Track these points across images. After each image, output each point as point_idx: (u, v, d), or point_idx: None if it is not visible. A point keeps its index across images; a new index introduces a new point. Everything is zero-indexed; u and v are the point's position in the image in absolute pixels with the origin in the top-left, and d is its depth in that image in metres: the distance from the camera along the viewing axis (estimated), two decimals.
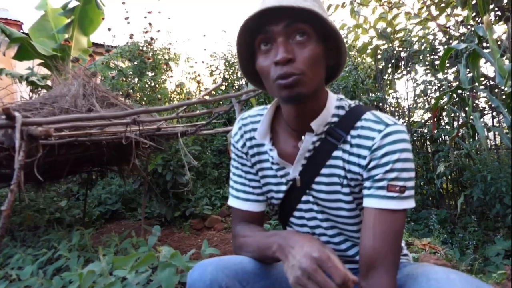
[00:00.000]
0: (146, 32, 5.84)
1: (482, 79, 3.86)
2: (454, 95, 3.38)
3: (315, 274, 0.65)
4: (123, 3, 6.05)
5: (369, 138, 0.82)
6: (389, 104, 5.21)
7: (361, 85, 5.07)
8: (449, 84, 4.25)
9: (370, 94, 5.08)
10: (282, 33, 0.77)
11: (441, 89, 4.38)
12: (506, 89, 2.39)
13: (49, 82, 6.17)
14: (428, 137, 4.65)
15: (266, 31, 0.78)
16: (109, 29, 6.42)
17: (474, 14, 3.86)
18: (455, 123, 4.35)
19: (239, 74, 6.52)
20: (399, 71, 5.10)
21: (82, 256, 2.36)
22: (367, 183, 0.83)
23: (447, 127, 4.37)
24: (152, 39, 5.82)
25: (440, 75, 4.40)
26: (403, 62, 4.86)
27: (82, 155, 2.86)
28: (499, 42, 3.33)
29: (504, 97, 2.71)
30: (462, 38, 3.94)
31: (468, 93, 3.39)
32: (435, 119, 4.07)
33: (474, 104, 4.09)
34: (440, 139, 4.49)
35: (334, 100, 0.90)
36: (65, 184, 5.47)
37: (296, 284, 0.68)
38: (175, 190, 4.07)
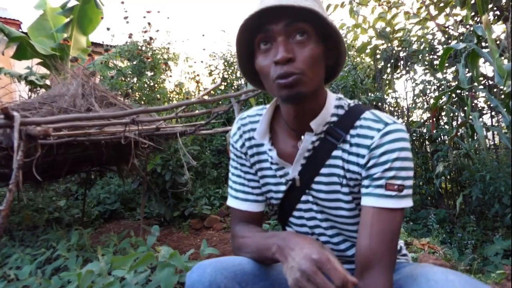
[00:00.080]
0: (145, 31, 5.83)
1: (481, 78, 3.87)
2: (453, 95, 3.38)
3: (314, 276, 0.65)
4: (122, 2, 6.05)
5: (368, 137, 0.82)
6: (388, 104, 5.21)
7: (360, 85, 5.07)
8: (448, 84, 4.25)
9: (369, 94, 5.08)
10: (282, 32, 0.77)
11: (440, 89, 4.39)
12: (505, 88, 2.39)
13: (48, 82, 6.17)
14: (427, 137, 4.65)
15: (266, 30, 0.78)
16: (108, 29, 6.39)
17: (473, 13, 3.86)
18: (454, 123, 4.36)
19: (238, 74, 6.51)
20: (398, 71, 5.11)
21: (81, 256, 2.35)
22: (365, 182, 0.82)
23: (446, 126, 4.38)
24: (151, 38, 5.81)
25: (439, 75, 4.41)
26: (402, 62, 4.87)
27: (81, 154, 2.86)
28: (498, 42, 3.34)
29: (503, 96, 2.72)
30: (461, 37, 3.95)
31: (467, 93, 3.39)
32: (434, 119, 4.08)
33: (473, 104, 4.10)
34: (439, 138, 4.50)
35: (333, 99, 0.89)
36: (64, 184, 5.46)
37: (295, 286, 0.67)
38: (174, 190, 4.07)
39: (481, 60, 3.13)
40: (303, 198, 0.93)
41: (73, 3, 5.90)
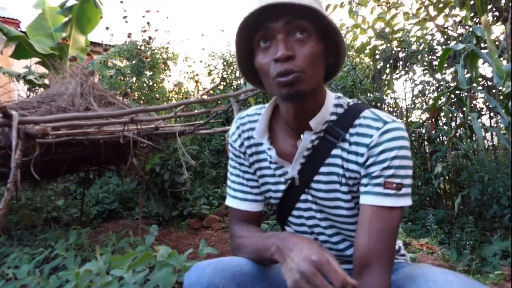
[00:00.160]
0: (144, 31, 5.82)
1: (480, 79, 3.88)
2: (452, 96, 3.38)
3: (314, 277, 0.64)
4: (121, 1, 6.02)
5: (367, 136, 0.82)
6: (387, 104, 5.22)
7: (359, 85, 5.08)
8: (447, 85, 4.26)
9: (368, 94, 5.09)
10: (282, 30, 0.77)
11: (439, 90, 4.40)
12: (503, 89, 2.39)
13: (46, 81, 6.16)
14: (426, 137, 4.66)
15: (266, 28, 0.78)
16: (107, 28, 6.37)
17: (472, 14, 3.87)
18: (453, 124, 4.37)
19: (237, 74, 6.51)
20: (397, 71, 5.11)
21: (79, 255, 2.35)
22: (364, 180, 0.82)
23: (445, 127, 4.38)
24: (150, 38, 5.80)
25: (438, 76, 4.41)
26: (401, 62, 4.87)
27: (79, 154, 2.85)
28: (497, 43, 3.35)
29: (501, 97, 2.72)
30: (460, 38, 3.95)
31: (466, 94, 3.40)
32: (433, 120, 4.08)
33: (472, 105, 4.11)
34: (438, 139, 4.51)
35: (333, 98, 0.89)
36: (63, 183, 5.45)
37: None
38: (173, 189, 4.06)
39: (480, 61, 3.13)
40: (303, 197, 0.92)
41: (72, 2, 5.89)
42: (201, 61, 7.14)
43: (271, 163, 0.94)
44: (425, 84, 4.56)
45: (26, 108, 2.41)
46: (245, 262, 0.87)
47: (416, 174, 4.49)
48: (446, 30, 4.50)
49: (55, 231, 3.16)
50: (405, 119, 4.88)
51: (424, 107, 4.76)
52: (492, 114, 4.31)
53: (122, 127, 2.27)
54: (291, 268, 0.68)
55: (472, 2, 3.56)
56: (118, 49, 5.71)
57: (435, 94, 4.46)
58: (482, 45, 3.48)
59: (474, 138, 3.80)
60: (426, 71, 4.63)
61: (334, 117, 0.87)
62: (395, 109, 5.26)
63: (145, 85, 5.54)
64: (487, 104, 4.15)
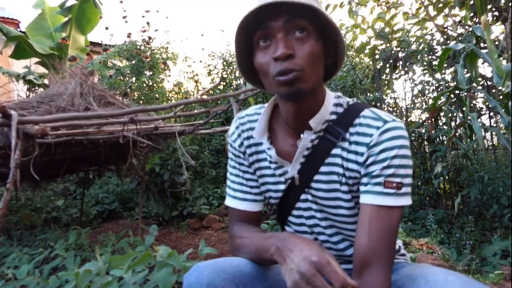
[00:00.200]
0: (144, 31, 5.82)
1: (480, 79, 3.88)
2: (452, 95, 3.38)
3: (314, 278, 0.64)
4: (121, 1, 6.02)
5: (367, 135, 0.82)
6: (387, 104, 5.22)
7: (359, 85, 5.08)
8: (447, 84, 4.26)
9: (368, 94, 5.09)
10: (282, 28, 0.77)
11: (439, 89, 4.40)
12: (503, 89, 2.39)
13: (46, 81, 6.16)
14: (425, 137, 4.66)
15: (266, 27, 0.78)
16: (106, 28, 6.37)
17: (472, 14, 3.87)
18: (453, 123, 4.37)
19: (237, 74, 6.51)
20: (397, 71, 5.11)
21: (79, 256, 2.35)
22: (364, 180, 0.82)
23: (445, 127, 4.38)
24: (150, 38, 5.80)
25: (437, 75, 4.41)
26: (401, 62, 4.87)
27: (79, 154, 2.85)
28: (496, 43, 3.35)
29: (501, 97, 2.71)
30: (460, 38, 3.95)
31: (465, 93, 3.40)
32: (433, 119, 4.08)
33: (472, 104, 4.11)
34: (438, 139, 4.51)
35: (332, 97, 0.89)
36: (62, 183, 5.45)
37: None
38: (172, 189, 4.06)
39: (480, 60, 3.13)
40: (303, 197, 0.92)
41: (71, 2, 5.89)
42: (200, 61, 7.15)
43: (271, 163, 0.94)
44: (425, 84, 4.56)
45: (26, 108, 2.41)
46: (244, 263, 0.86)
47: (416, 174, 4.49)
48: (446, 30, 4.50)
49: (55, 231, 3.16)
50: (405, 119, 4.88)
51: (424, 107, 4.77)
52: (491, 113, 4.31)
53: (122, 127, 2.27)
54: (291, 268, 0.68)
55: (471, 2, 3.56)
56: (118, 49, 5.70)
57: (435, 94, 4.46)
58: (482, 45, 3.48)
59: (474, 138, 3.80)
60: (425, 71, 4.63)
61: (334, 117, 0.87)
62: (395, 109, 5.26)
63: (144, 85, 5.54)
64: (487, 103, 4.15)
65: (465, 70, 2.99)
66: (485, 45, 2.74)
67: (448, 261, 2.45)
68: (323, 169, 0.87)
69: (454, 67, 4.00)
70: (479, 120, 3.56)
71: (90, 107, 2.66)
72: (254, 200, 0.98)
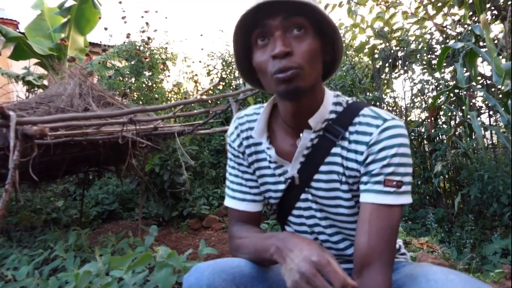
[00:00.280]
0: (143, 31, 5.82)
1: (479, 78, 3.88)
2: (451, 94, 3.38)
3: (314, 278, 0.64)
4: (120, 2, 6.02)
5: (366, 134, 0.82)
6: (386, 103, 5.21)
7: (358, 85, 5.08)
8: (446, 83, 4.26)
9: (368, 94, 5.08)
10: (280, 26, 0.76)
11: (438, 88, 4.39)
12: (503, 88, 2.39)
13: (45, 82, 6.15)
14: (425, 136, 4.66)
15: (263, 25, 0.78)
16: (105, 29, 6.40)
17: (471, 13, 3.86)
18: (452, 122, 4.36)
19: (236, 74, 6.50)
20: (396, 71, 5.11)
21: (79, 257, 2.34)
22: (364, 178, 0.82)
23: (444, 126, 4.38)
24: (149, 38, 5.80)
25: (437, 74, 4.41)
26: (400, 61, 4.87)
27: (78, 154, 2.85)
28: (496, 41, 3.35)
29: (501, 96, 2.71)
30: (459, 37, 3.95)
31: (465, 92, 3.39)
32: (432, 118, 4.08)
33: (471, 103, 4.10)
34: (437, 138, 4.50)
35: (331, 96, 0.89)
36: (62, 184, 5.45)
37: None
38: (172, 190, 4.06)
39: (479, 59, 3.13)
40: (302, 196, 0.92)
41: (70, 3, 5.88)
42: (200, 61, 7.14)
43: (271, 163, 0.94)
44: (424, 83, 4.55)
45: (24, 109, 2.40)
46: (245, 263, 0.86)
47: (415, 173, 4.49)
48: (445, 29, 4.50)
49: (55, 232, 3.15)
50: (404, 118, 4.87)
51: (424, 106, 4.76)
52: (491, 112, 4.31)
53: (121, 128, 2.27)
54: (291, 268, 0.68)
55: (470, 1, 3.56)
56: (117, 50, 5.71)
57: (434, 93, 4.45)
58: (481, 43, 3.47)
59: (473, 137, 3.80)
60: (425, 70, 4.63)
61: (333, 116, 0.87)
62: (395, 108, 5.26)
63: (144, 85, 5.54)
64: (486, 102, 4.15)
65: (465, 69, 2.99)
66: (484, 43, 2.74)
67: (448, 260, 2.45)
68: (323, 168, 0.87)
69: (453, 66, 3.99)
70: (478, 119, 3.56)
71: (89, 108, 2.66)
72: (253, 200, 0.98)
